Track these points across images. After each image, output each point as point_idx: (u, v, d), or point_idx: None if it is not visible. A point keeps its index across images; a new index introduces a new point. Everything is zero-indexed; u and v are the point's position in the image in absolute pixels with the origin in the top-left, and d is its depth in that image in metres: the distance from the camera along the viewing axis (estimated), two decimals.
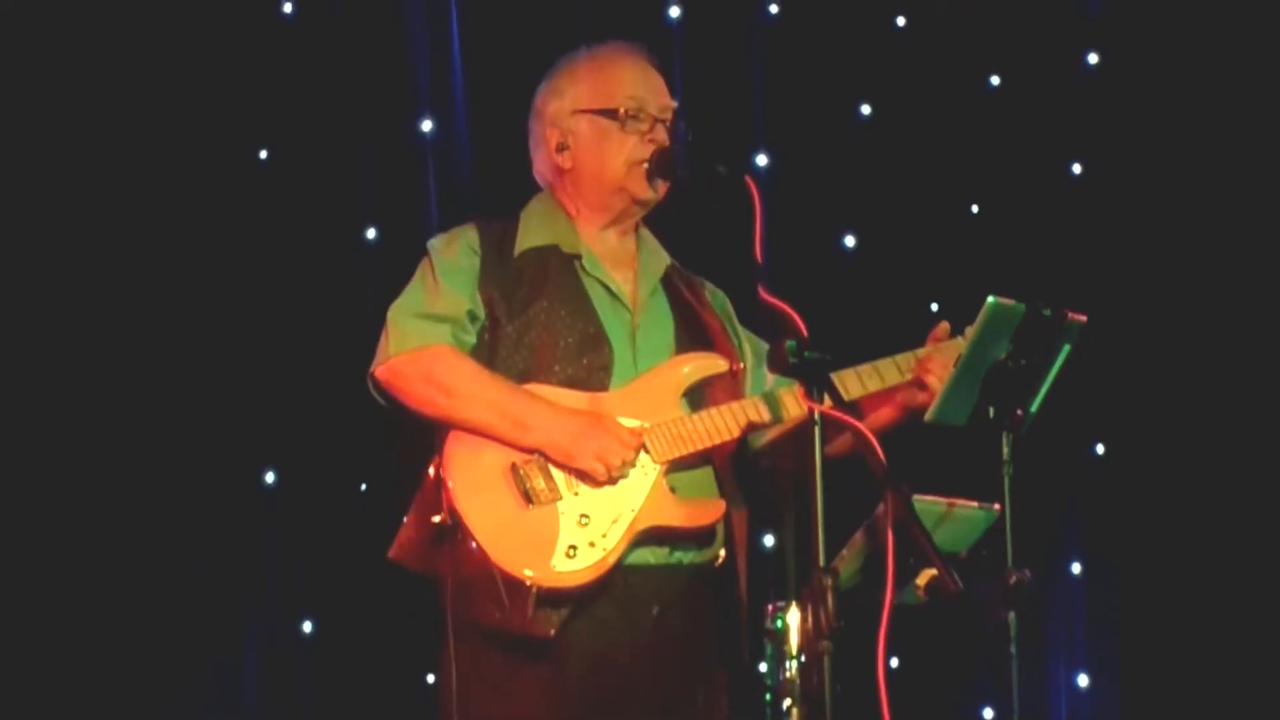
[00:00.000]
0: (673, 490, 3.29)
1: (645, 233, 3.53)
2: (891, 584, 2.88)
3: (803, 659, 2.90)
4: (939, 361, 3.34)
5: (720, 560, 3.35)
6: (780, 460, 3.52)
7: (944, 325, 3.40)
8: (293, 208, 5.06)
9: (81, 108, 4.90)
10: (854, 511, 3.10)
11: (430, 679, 4.86)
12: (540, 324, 3.34)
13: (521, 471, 3.24)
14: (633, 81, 3.45)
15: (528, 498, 3.23)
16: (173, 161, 4.96)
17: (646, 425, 3.28)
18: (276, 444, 5.07)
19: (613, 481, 3.25)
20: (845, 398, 3.25)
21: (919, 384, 3.35)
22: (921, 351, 3.38)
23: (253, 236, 5.03)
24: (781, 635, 2.91)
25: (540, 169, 3.52)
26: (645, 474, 3.27)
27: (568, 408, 3.27)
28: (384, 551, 3.43)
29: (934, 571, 2.91)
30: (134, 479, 4.87)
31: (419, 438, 3.36)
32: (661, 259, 3.52)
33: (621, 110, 3.41)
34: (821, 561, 2.84)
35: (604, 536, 3.22)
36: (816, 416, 2.93)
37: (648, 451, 3.27)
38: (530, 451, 3.25)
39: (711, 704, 3.36)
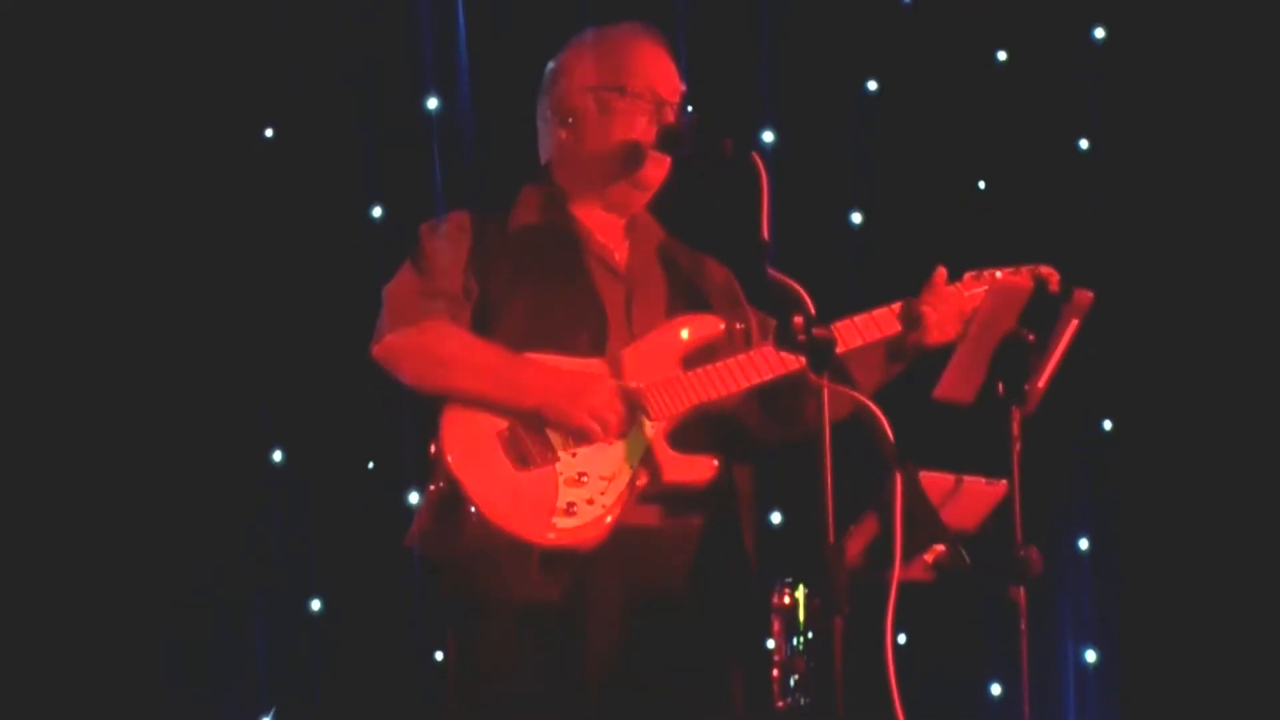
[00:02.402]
0: (673, 448, 3.29)
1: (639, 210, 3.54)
2: (899, 560, 2.89)
3: (811, 635, 2.90)
4: (934, 294, 3.34)
5: (725, 522, 3.36)
6: (785, 429, 3.51)
7: (940, 271, 3.40)
8: (298, 186, 5.06)
9: (86, 85, 4.89)
10: (862, 487, 3.10)
11: (439, 656, 4.89)
12: (534, 297, 3.36)
13: (515, 434, 3.25)
14: (643, 62, 3.46)
15: (524, 460, 3.24)
16: (178, 140, 4.96)
17: (646, 385, 3.29)
18: (284, 423, 5.08)
19: (610, 440, 3.24)
20: (843, 349, 3.25)
21: (914, 319, 3.34)
22: (919, 299, 3.39)
23: (258, 215, 5.03)
24: (789, 611, 2.92)
25: (544, 145, 3.54)
26: (644, 432, 3.28)
27: (564, 369, 3.28)
28: (391, 529, 3.45)
29: (942, 547, 2.91)
30: (142, 458, 4.88)
31: (428, 415, 3.37)
32: (655, 232, 3.54)
33: (630, 89, 3.42)
34: (830, 538, 2.84)
35: (602, 494, 3.23)
36: (825, 393, 2.92)
37: (646, 410, 3.28)
38: (528, 414, 3.25)
39: (721, 667, 3.36)
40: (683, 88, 3.49)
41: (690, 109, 3.47)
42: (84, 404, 4.85)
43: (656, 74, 3.45)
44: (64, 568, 4.79)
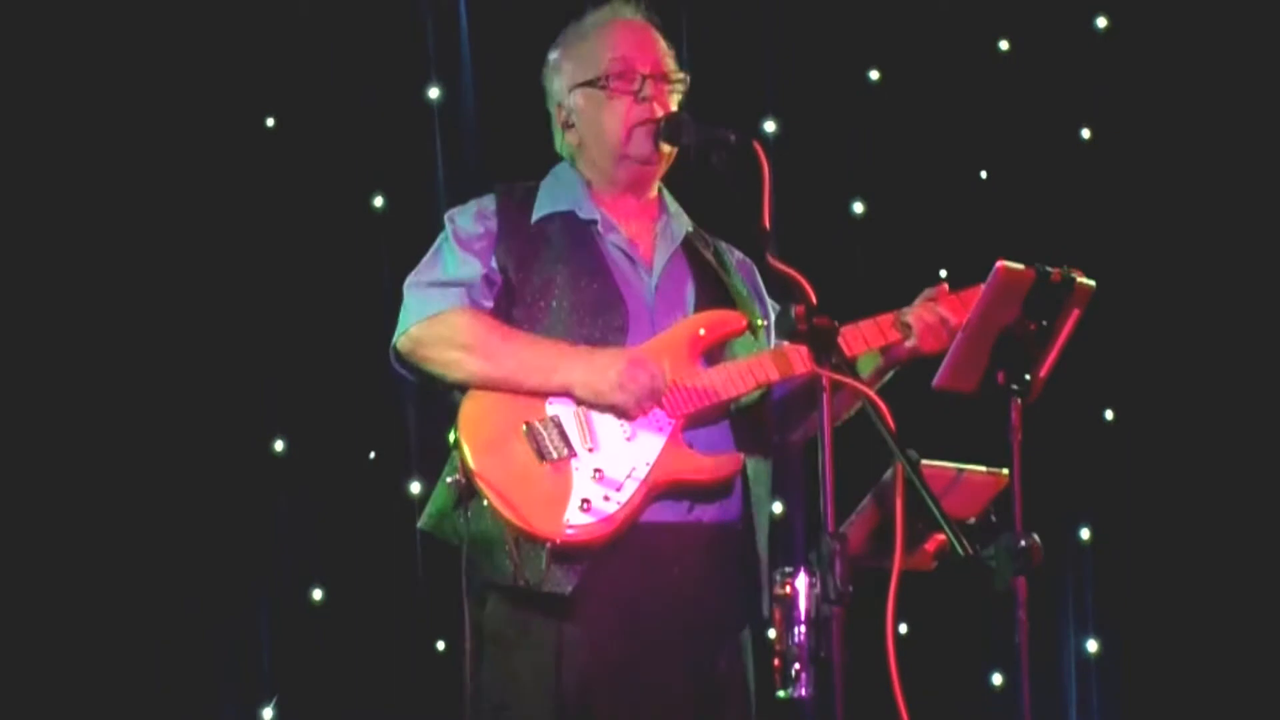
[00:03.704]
0: (689, 445, 3.30)
1: (668, 197, 3.54)
2: (900, 550, 2.89)
3: (812, 624, 2.90)
4: (928, 305, 3.34)
5: (739, 519, 3.36)
6: (793, 430, 3.52)
7: (942, 286, 3.40)
8: (300, 175, 5.06)
9: (88, 75, 4.88)
10: (863, 477, 3.10)
11: (441, 645, 4.90)
12: (557, 288, 3.35)
13: (534, 428, 3.25)
14: (615, 44, 3.45)
15: (541, 454, 3.24)
16: (180, 130, 4.95)
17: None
18: (286, 412, 5.08)
19: (645, 414, 3.25)
20: (858, 351, 3.27)
21: (904, 326, 3.35)
22: (920, 304, 3.38)
23: (260, 204, 5.03)
24: (790, 600, 2.92)
25: (558, 146, 3.55)
26: (661, 428, 3.28)
27: (590, 348, 3.29)
28: (393, 519, 3.44)
29: (943, 537, 2.91)
30: (144, 447, 4.88)
31: (431, 405, 3.37)
32: (683, 223, 3.53)
33: (605, 76, 3.42)
34: (831, 527, 2.84)
35: (619, 490, 3.23)
36: (826, 382, 2.92)
37: (662, 407, 3.28)
38: (558, 393, 3.26)
39: (733, 663, 3.37)
40: (669, 51, 3.47)
41: (682, 73, 3.46)
42: (86, 394, 4.85)
43: (630, 49, 3.43)
44: (66, 558, 4.79)
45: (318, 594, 5.10)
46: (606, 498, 3.23)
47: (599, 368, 3.25)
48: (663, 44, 3.48)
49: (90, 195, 4.88)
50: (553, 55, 3.53)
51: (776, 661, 2.95)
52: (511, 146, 3.75)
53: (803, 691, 2.91)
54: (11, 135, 4.83)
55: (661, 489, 3.27)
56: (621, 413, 3.26)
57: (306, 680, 5.01)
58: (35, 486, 4.78)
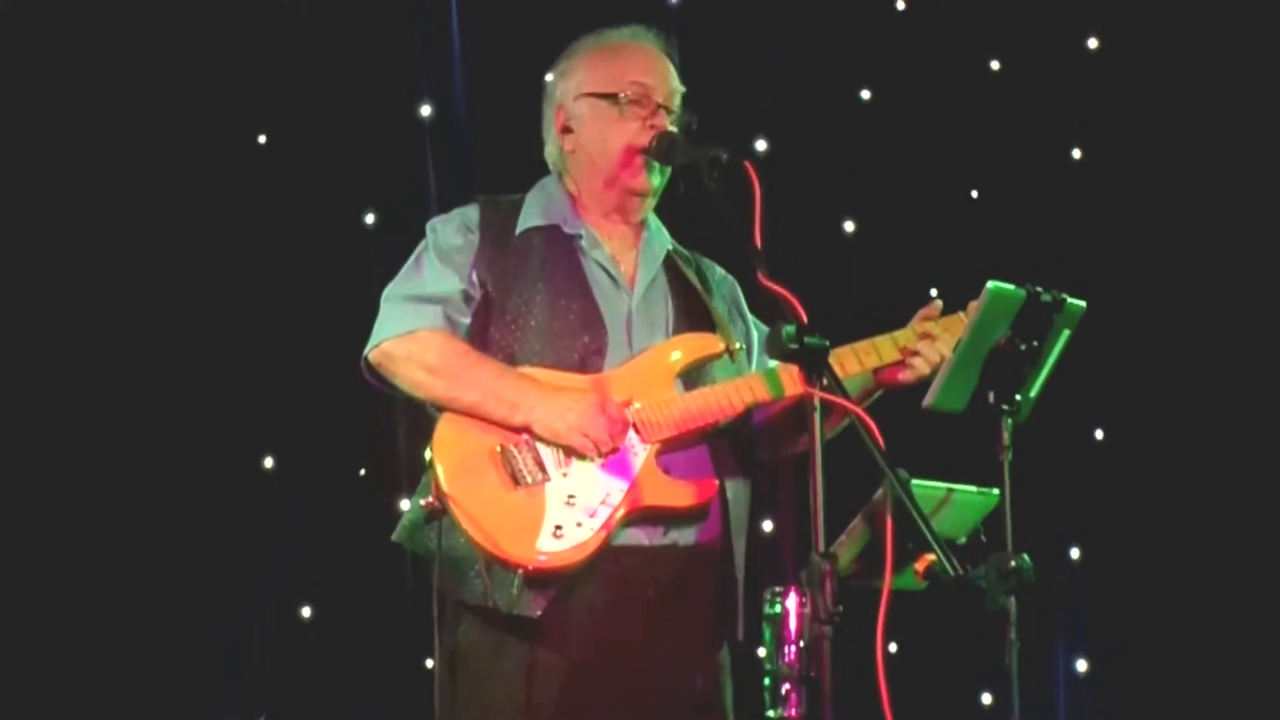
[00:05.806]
0: (665, 470, 3.29)
1: (651, 216, 3.53)
2: (890, 569, 2.88)
3: (802, 644, 2.90)
4: (934, 335, 3.33)
5: (717, 541, 3.35)
6: (779, 449, 3.51)
7: (936, 304, 3.39)
8: (292, 193, 5.06)
9: (81, 92, 4.89)
10: (853, 497, 3.10)
11: (429, 662, 4.89)
12: (536, 305, 3.35)
13: (509, 452, 3.24)
14: (638, 67, 3.45)
15: (515, 479, 3.24)
16: (172, 146, 4.95)
17: (638, 405, 3.28)
18: (275, 429, 5.07)
19: (602, 458, 3.24)
20: (842, 375, 3.25)
21: (904, 362, 3.34)
22: (919, 328, 3.37)
23: (252, 221, 5.03)
24: (780, 620, 2.91)
25: (549, 151, 3.54)
26: (636, 454, 3.27)
27: (555, 385, 3.27)
28: (382, 536, 3.44)
29: (933, 556, 2.91)
30: (134, 464, 4.87)
31: (420, 423, 3.37)
32: (664, 242, 3.53)
33: (623, 95, 3.41)
34: (821, 546, 2.84)
35: (591, 517, 3.22)
36: (817, 402, 2.92)
37: (638, 431, 3.27)
38: (518, 430, 3.25)
39: (709, 686, 3.36)
40: (681, 89, 3.48)
41: (689, 114, 3.46)
42: (78, 411, 4.85)
43: (651, 77, 3.44)
44: (57, 575, 4.78)
45: (307, 610, 5.09)
46: (579, 524, 3.22)
47: (560, 409, 3.24)
48: (678, 82, 3.47)
49: (85, 210, 4.88)
50: (565, 60, 3.52)
51: (766, 681, 2.94)
52: (503, 163, 3.75)
53: (793, 711, 2.91)
54: (5, 147, 4.83)
55: (635, 514, 3.26)
56: (578, 454, 3.25)
57: (296, 695, 5.00)
58: (31, 501, 4.78)
